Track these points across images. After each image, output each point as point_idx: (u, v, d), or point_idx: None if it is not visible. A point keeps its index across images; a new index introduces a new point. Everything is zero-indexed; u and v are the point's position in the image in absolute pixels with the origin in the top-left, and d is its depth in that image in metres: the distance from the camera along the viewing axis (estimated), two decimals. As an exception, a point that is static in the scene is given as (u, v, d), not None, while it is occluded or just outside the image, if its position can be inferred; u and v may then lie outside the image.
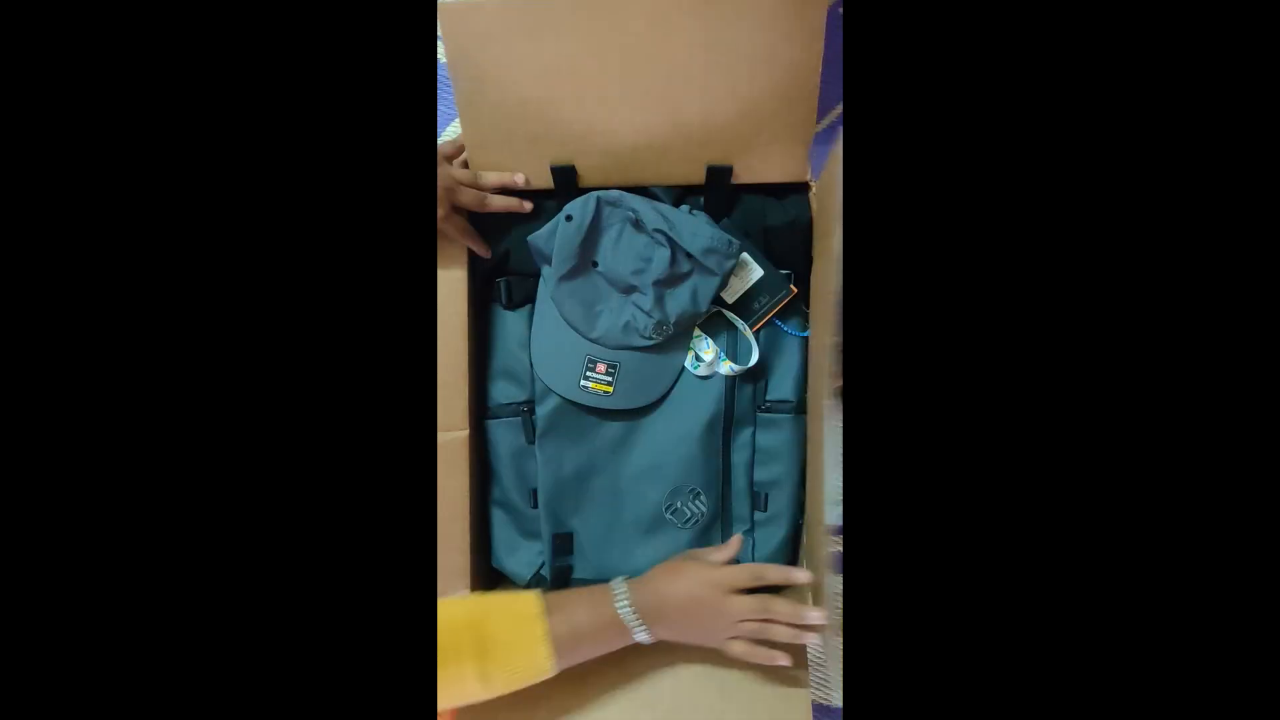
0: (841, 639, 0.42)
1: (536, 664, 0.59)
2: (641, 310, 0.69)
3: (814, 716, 0.65)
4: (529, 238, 0.70)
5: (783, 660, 0.61)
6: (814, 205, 0.69)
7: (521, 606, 0.61)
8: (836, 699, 0.85)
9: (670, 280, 0.68)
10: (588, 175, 0.69)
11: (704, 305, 0.70)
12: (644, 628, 0.62)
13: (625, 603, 0.62)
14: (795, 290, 0.72)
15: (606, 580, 0.75)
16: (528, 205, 0.70)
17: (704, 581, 0.63)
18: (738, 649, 0.62)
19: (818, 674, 0.84)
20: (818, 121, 0.85)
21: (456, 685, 0.58)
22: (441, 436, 0.70)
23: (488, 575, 0.79)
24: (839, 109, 0.86)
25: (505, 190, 0.69)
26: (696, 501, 0.74)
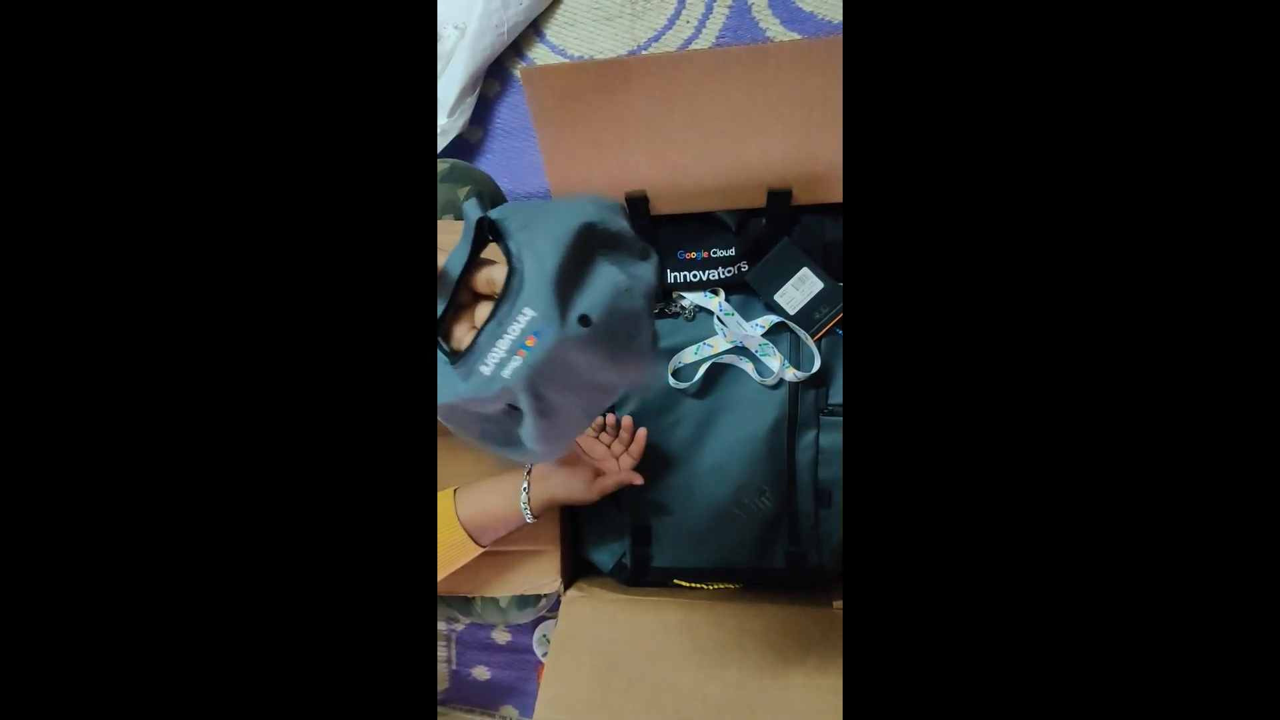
0: None
1: (453, 542, 0.73)
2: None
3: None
4: None
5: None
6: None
7: (443, 499, 0.74)
8: None
9: None
10: (659, 203, 0.76)
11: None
12: (531, 514, 0.74)
13: (524, 499, 0.74)
14: (854, 302, 0.77)
15: (683, 569, 0.83)
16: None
17: (583, 486, 0.76)
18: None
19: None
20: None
21: None
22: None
23: (578, 565, 0.89)
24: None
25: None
26: (763, 498, 0.81)
